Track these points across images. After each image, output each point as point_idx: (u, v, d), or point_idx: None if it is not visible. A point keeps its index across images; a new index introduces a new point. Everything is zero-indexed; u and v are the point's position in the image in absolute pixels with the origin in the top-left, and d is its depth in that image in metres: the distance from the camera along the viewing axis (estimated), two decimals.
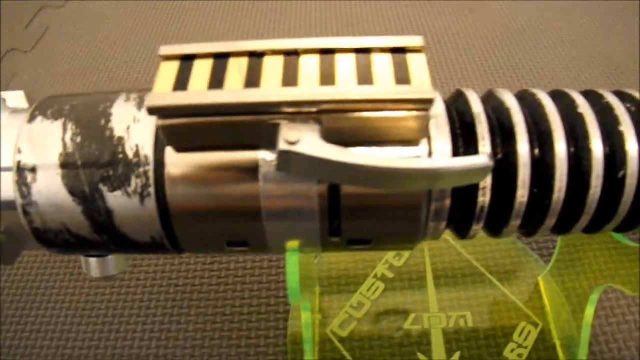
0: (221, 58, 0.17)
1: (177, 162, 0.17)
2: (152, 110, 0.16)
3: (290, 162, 0.15)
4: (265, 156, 0.17)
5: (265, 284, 0.29)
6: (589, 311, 0.23)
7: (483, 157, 0.15)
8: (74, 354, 0.28)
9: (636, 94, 0.20)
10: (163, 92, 0.16)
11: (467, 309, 0.27)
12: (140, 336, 0.28)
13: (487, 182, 0.18)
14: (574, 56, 0.44)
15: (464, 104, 0.19)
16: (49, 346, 0.28)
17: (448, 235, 0.29)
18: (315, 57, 0.17)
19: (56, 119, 0.18)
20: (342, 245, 0.19)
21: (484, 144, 0.18)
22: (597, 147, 0.18)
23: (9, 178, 0.18)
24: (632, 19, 0.46)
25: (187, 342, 0.27)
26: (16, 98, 0.22)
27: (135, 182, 0.17)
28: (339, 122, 0.16)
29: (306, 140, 0.15)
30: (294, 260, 0.19)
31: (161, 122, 0.16)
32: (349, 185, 0.17)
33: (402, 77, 0.16)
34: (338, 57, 0.17)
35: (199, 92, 0.16)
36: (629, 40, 0.44)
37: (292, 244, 0.19)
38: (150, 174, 0.17)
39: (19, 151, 0.18)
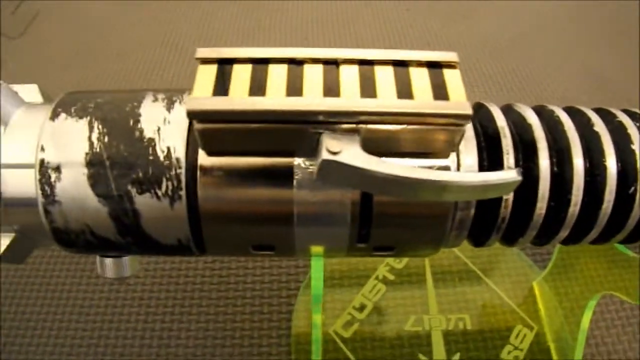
0: (260, 64, 0.17)
1: (210, 165, 0.17)
2: (192, 115, 0.16)
3: (331, 171, 0.16)
4: (300, 163, 0.17)
5: (267, 283, 0.29)
6: (587, 317, 0.24)
7: (513, 172, 0.16)
8: (72, 351, 0.28)
9: None
10: (203, 96, 0.16)
11: (465, 311, 0.28)
12: (141, 334, 0.28)
13: (509, 195, 0.18)
14: (564, 68, 0.45)
15: (487, 118, 0.19)
16: (46, 344, 0.28)
17: None
18: (355, 68, 0.17)
19: (81, 117, 0.18)
20: (367, 251, 0.19)
21: (509, 158, 0.18)
22: (612, 164, 0.19)
23: (29, 176, 0.18)
24: (626, 34, 0.48)
25: (190, 341, 0.27)
26: (30, 92, 0.21)
27: (166, 185, 0.17)
28: (376, 133, 0.16)
29: (348, 151, 0.16)
30: (320, 266, 0.19)
31: (200, 126, 0.16)
32: (386, 195, 0.17)
33: (439, 92, 0.17)
34: (377, 69, 0.17)
35: (241, 98, 0.16)
36: (621, 56, 0.46)
37: (317, 249, 0.19)
38: (182, 177, 0.17)
39: (42, 149, 0.18)
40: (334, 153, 0.16)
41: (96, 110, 0.18)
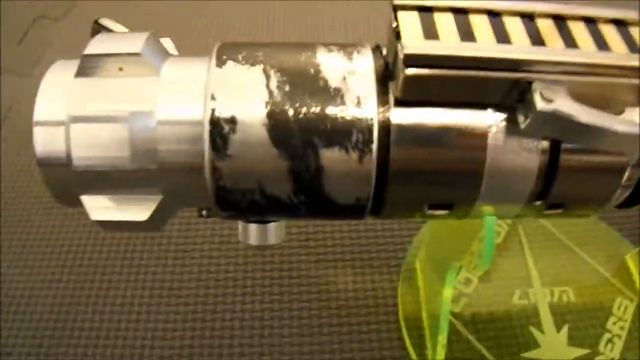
0: (460, 13, 0.16)
1: (404, 117, 0.17)
2: (411, 58, 0.15)
3: (545, 120, 0.15)
4: (497, 117, 0.17)
5: (367, 261, 0.28)
6: None
7: None
8: (166, 335, 0.26)
9: None
10: (418, 41, 0.15)
11: (566, 284, 0.28)
12: (240, 316, 0.27)
13: None
14: None
15: None
16: (136, 328, 0.26)
17: None
18: (550, 21, 0.17)
19: (253, 64, 0.17)
20: (540, 209, 0.19)
21: None
22: None
23: (194, 130, 0.17)
24: None
25: (294, 321, 0.26)
26: (167, 46, 0.20)
27: (356, 139, 0.16)
28: (576, 85, 0.16)
29: (562, 101, 0.15)
30: (493, 226, 0.19)
31: (413, 71, 0.15)
32: (592, 147, 0.17)
33: (632, 48, 0.17)
34: (570, 23, 0.17)
35: (459, 43, 0.15)
36: None
37: (491, 208, 0.19)
38: (374, 128, 0.16)
39: (213, 98, 0.16)
40: (550, 102, 0.15)
41: (268, 58, 0.17)
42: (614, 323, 0.27)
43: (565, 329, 0.27)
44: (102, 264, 0.28)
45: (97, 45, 0.18)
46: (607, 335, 0.27)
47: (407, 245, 0.29)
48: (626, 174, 0.18)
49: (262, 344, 0.26)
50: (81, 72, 0.18)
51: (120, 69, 0.18)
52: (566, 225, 0.30)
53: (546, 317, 0.27)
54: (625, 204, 0.20)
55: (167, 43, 0.20)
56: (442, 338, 0.24)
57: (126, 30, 0.20)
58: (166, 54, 0.19)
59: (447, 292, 0.23)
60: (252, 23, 0.47)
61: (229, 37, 0.46)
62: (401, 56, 0.15)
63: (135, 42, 0.18)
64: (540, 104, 0.15)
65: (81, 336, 0.26)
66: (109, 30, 0.20)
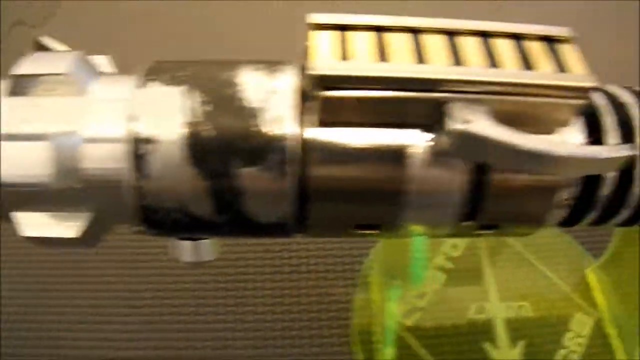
0: (379, 31, 0.16)
1: (320, 138, 0.16)
2: (319, 80, 0.15)
3: (462, 142, 0.15)
4: (420, 137, 0.16)
5: (322, 273, 0.28)
6: None
7: (631, 147, 0.16)
8: (121, 346, 0.26)
9: None
10: (329, 62, 0.15)
11: (524, 298, 0.28)
12: (193, 327, 0.27)
13: (611, 173, 0.18)
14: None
15: None
16: (93, 338, 0.26)
17: None
18: (474, 39, 0.17)
19: (176, 85, 0.17)
20: (471, 230, 0.19)
21: (613, 136, 0.18)
22: None
23: (117, 149, 0.17)
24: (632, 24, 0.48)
25: (248, 333, 0.26)
26: (101, 63, 0.20)
27: (273, 158, 0.16)
28: (498, 105, 0.16)
29: (480, 121, 0.15)
30: (422, 246, 0.19)
31: (325, 94, 0.15)
32: (515, 168, 0.17)
33: (560, 65, 0.16)
34: (495, 41, 0.17)
35: (374, 64, 0.15)
36: (628, 46, 0.46)
37: (421, 228, 0.18)
38: (292, 149, 0.16)
39: (134, 119, 0.17)
40: (466, 122, 0.15)
41: (191, 78, 0.17)
42: (571, 339, 0.27)
43: (520, 344, 0.26)
44: (59, 274, 0.29)
45: (26, 65, 0.18)
46: (563, 351, 0.26)
47: (364, 258, 0.29)
48: (564, 193, 0.18)
49: (215, 356, 0.26)
50: (11, 91, 0.18)
51: (48, 89, 0.18)
52: (528, 238, 0.30)
53: (501, 332, 0.27)
54: (565, 223, 0.20)
55: (102, 61, 0.20)
56: (389, 353, 0.24)
57: (67, 49, 0.21)
58: (96, 73, 0.19)
59: (391, 308, 0.23)
60: (251, 23, 0.47)
61: (228, 37, 0.46)
62: (313, 77, 0.15)
63: (64, 62, 0.18)
64: (453, 125, 0.15)
65: (39, 345, 0.27)
66: (48, 49, 0.20)
